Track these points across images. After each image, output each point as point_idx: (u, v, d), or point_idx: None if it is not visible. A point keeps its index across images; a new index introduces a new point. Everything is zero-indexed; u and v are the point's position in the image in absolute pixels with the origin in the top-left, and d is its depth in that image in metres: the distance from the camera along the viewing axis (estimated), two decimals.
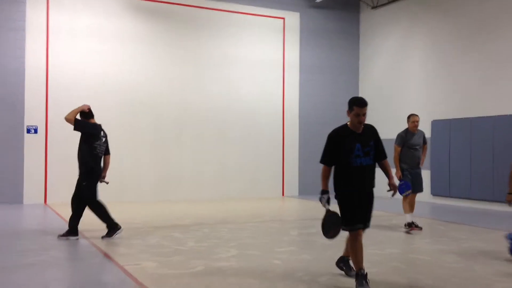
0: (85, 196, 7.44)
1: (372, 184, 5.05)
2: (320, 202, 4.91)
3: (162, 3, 13.82)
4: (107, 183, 7.99)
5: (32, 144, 12.39)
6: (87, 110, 7.63)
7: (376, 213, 11.10)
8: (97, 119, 13.72)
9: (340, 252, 6.59)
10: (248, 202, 13.23)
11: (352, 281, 5.13)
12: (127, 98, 13.35)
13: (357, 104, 5.04)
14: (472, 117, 12.42)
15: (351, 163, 4.81)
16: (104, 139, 7.74)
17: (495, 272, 5.59)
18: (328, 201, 4.87)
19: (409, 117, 8.67)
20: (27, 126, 12.31)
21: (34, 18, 12.45)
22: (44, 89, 12.51)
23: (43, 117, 12.49)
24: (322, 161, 5.02)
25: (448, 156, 12.83)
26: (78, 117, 7.49)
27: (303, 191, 15.46)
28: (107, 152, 7.90)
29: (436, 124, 13.31)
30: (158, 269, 5.57)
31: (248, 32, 14.89)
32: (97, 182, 7.64)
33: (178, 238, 7.63)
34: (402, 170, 8.28)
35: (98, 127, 7.72)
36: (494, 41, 12.05)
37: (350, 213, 4.83)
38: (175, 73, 13.93)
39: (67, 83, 12.68)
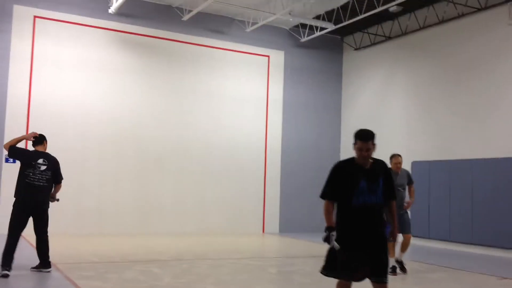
0: (9, 225, 6.98)
1: (379, 227, 4.26)
2: (325, 242, 4.23)
3: (148, 37, 13.99)
4: (58, 200, 7.47)
5: (9, 173, 12.19)
6: (32, 139, 7.22)
7: None
8: (79, 149, 13.67)
9: None
10: (228, 237, 13.12)
11: None
12: (110, 129, 13.32)
13: (360, 138, 4.55)
14: (452, 160, 12.62)
15: (352, 202, 4.19)
16: (44, 167, 7.04)
17: None
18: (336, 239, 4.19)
19: (391, 157, 8.55)
20: (5, 155, 12.18)
21: (18, 47, 12.47)
22: (25, 118, 12.43)
23: (22, 147, 12.33)
24: (322, 196, 4.40)
25: (428, 197, 12.96)
26: (19, 145, 7.21)
27: (284, 228, 15.40)
28: (55, 181, 7.25)
29: (416, 165, 13.47)
30: None
31: (233, 68, 15.10)
32: (24, 215, 6.98)
33: (156, 273, 7.51)
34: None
35: (34, 155, 7.10)
36: (475, 84, 12.38)
37: (340, 257, 4.17)
38: (159, 105, 13.99)
39: (50, 113, 12.62)
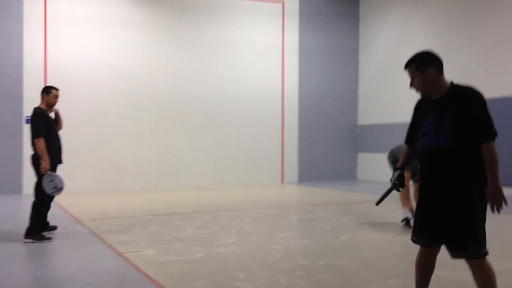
0: None
1: (451, 179, 3.20)
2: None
3: None
4: (42, 169, 6.47)
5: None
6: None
7: (374, 197, 11.19)
8: (96, 107, 13.80)
9: (339, 236, 6.65)
10: (248, 188, 13.29)
11: (350, 265, 5.20)
12: (126, 85, 13.34)
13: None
14: None
15: (418, 147, 3.46)
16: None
17: (493, 254, 5.64)
18: (398, 178, 3.58)
19: None
20: (26, 116, 12.33)
21: (31, 7, 12.39)
22: (42, 79, 12.50)
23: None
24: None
25: None
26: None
27: (303, 178, 15.52)
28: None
29: None
30: (158, 256, 5.63)
31: (246, 17, 14.83)
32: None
33: (179, 225, 7.69)
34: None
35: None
36: (496, 24, 12.00)
37: (416, 219, 3.49)
38: (173, 60, 13.91)
39: (66, 72, 12.65)
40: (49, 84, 12.35)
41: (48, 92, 6.71)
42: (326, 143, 15.92)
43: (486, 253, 3.22)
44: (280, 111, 15.33)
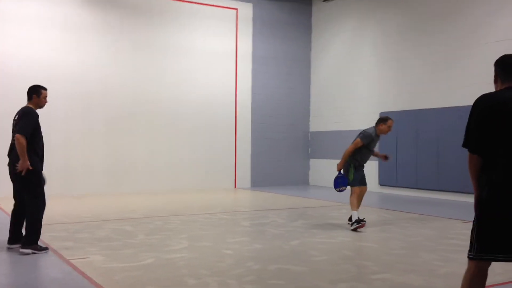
0: None
1: None
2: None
3: None
4: (17, 167, 5.89)
5: None
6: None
7: (326, 202, 11.36)
8: (45, 109, 13.30)
9: (290, 241, 6.67)
10: (201, 193, 13.18)
11: (301, 269, 5.21)
12: (78, 88, 12.97)
13: None
14: (419, 109, 12.80)
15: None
16: (14, 122, 6.24)
17: (439, 257, 5.81)
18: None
19: (385, 120, 7.86)
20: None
21: None
22: None
23: None
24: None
25: (396, 146, 13.19)
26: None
27: (256, 183, 15.55)
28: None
29: (385, 115, 13.61)
30: (106, 263, 5.47)
31: (200, 22, 14.76)
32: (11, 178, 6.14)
33: (129, 231, 7.51)
34: (353, 165, 7.78)
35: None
36: (442, 34, 12.44)
37: (486, 234, 3.06)
38: (126, 62, 13.65)
39: (14, 72, 12.17)
40: None
41: (39, 94, 6.32)
42: (279, 149, 16.02)
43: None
44: (234, 117, 15.31)
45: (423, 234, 7.33)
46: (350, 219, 7.85)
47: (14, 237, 6.20)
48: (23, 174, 5.84)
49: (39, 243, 6.06)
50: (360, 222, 7.54)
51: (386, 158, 8.20)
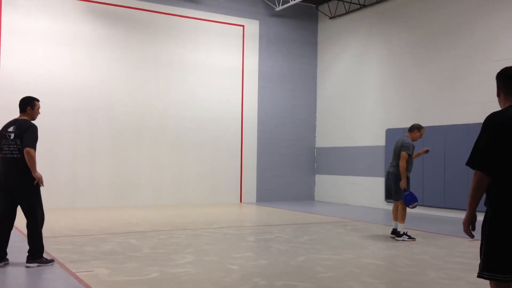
0: None
1: None
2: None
3: (120, 7, 13.61)
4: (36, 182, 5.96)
5: None
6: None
7: (331, 218, 11.27)
8: (52, 123, 13.36)
9: (296, 257, 6.61)
10: (206, 208, 13.12)
11: (307, 286, 5.14)
12: (84, 103, 13.04)
13: None
14: (426, 126, 12.73)
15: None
16: (12, 135, 5.92)
17: (446, 276, 5.72)
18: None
19: (420, 127, 8.40)
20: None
21: None
22: None
23: None
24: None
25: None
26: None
27: (261, 198, 15.49)
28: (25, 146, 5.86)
29: (390, 132, 13.59)
30: (111, 276, 5.42)
31: (207, 38, 14.85)
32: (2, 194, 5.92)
33: (134, 244, 7.47)
34: (408, 180, 8.18)
35: (7, 124, 6.11)
36: (448, 52, 12.45)
37: (498, 252, 2.95)
38: (132, 78, 13.72)
39: (19, 87, 12.19)
40: (1, 99, 11.94)
41: (33, 106, 6.17)
42: (284, 164, 15.99)
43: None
44: (240, 132, 15.32)
45: (429, 252, 7.24)
46: (393, 232, 8.25)
47: (2, 254, 5.91)
48: (42, 185, 5.91)
49: (45, 255, 6.03)
50: (411, 238, 8.11)
51: (428, 151, 8.74)
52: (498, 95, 3.16)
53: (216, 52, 14.97)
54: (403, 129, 13.24)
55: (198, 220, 10.63)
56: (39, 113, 6.35)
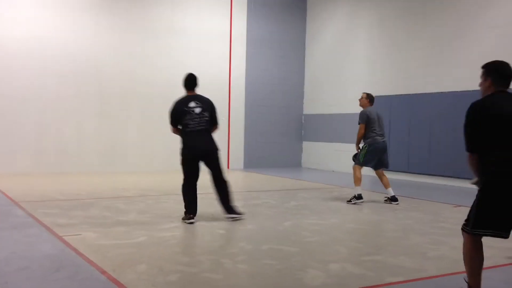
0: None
1: None
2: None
3: None
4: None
5: None
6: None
7: (318, 185, 11.36)
8: (38, 86, 13.13)
9: (282, 222, 6.67)
10: None
11: (292, 250, 5.21)
12: (70, 65, 12.80)
13: None
14: (412, 94, 12.78)
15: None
16: (198, 109, 6.57)
17: (430, 240, 5.83)
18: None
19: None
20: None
21: None
22: None
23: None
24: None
25: (389, 131, 13.17)
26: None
27: (249, 164, 15.53)
28: (213, 123, 6.80)
29: (378, 100, 13.55)
30: (98, 240, 5.44)
31: (194, 3, 14.56)
32: (191, 163, 6.55)
33: (121, 209, 7.48)
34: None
35: (184, 100, 6.70)
36: (438, 18, 12.34)
37: (486, 212, 3.52)
38: (118, 42, 13.47)
39: (5, 50, 11.98)
40: None
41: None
42: (272, 131, 15.98)
43: None
44: (227, 98, 15.22)
45: (414, 217, 7.35)
46: (393, 198, 8.66)
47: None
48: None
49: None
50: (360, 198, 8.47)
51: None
52: (483, 84, 3.67)
53: (204, 17, 14.71)
54: (390, 96, 13.26)
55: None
56: None
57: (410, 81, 12.94)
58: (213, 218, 6.86)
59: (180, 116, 6.53)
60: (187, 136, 6.52)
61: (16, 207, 7.36)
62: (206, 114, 6.55)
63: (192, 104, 6.54)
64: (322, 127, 15.76)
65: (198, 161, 6.53)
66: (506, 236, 3.50)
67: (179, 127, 6.66)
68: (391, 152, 13.20)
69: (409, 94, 12.86)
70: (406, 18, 13.19)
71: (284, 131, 16.26)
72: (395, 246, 5.54)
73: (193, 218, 6.40)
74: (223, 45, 15.10)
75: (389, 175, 13.58)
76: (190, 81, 6.83)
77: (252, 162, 15.58)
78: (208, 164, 6.63)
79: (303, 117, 16.58)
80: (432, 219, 7.24)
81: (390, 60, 13.61)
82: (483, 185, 3.50)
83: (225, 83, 15.17)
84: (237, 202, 8.80)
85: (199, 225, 6.40)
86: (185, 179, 6.61)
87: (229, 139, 15.28)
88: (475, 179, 3.62)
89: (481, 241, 3.59)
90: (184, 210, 6.59)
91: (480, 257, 3.61)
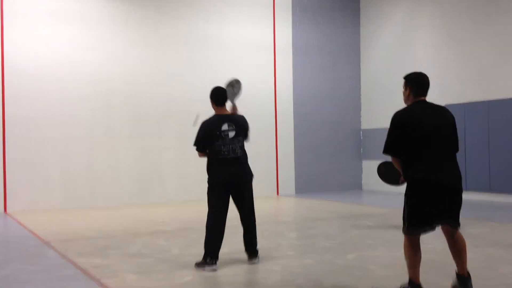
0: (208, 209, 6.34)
1: None
2: None
3: None
4: None
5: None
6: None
7: (381, 210, 11.18)
8: (64, 113, 13.58)
9: (344, 255, 6.59)
10: None
11: (359, 286, 5.13)
12: (100, 88, 13.16)
13: None
14: (491, 100, 12.47)
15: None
16: (232, 133, 6.29)
17: None
18: None
19: None
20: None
21: None
22: None
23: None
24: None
25: (464, 144, 12.88)
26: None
27: (301, 189, 15.47)
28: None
29: (449, 109, 13.33)
30: (139, 282, 5.53)
31: (233, 10, 14.82)
32: (221, 194, 6.25)
33: (162, 245, 7.58)
34: None
35: (215, 121, 6.41)
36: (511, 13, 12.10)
37: (418, 212, 4.59)
38: (152, 59, 13.80)
39: (27, 74, 12.45)
40: (6, 88, 12.19)
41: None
42: (326, 150, 15.89)
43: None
44: (273, 116, 15.28)
45: (499, 243, 7.12)
46: None
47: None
48: None
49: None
50: None
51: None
52: (404, 94, 4.85)
53: (243, 25, 14.92)
54: (464, 104, 12.98)
55: (231, 217, 10.67)
56: None
57: (486, 85, 12.65)
58: (264, 253, 6.83)
59: (211, 140, 6.28)
60: (218, 163, 6.25)
61: (47, 247, 7.58)
62: (240, 139, 6.33)
63: (225, 126, 6.31)
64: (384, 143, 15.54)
65: (229, 192, 6.27)
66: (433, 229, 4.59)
67: (207, 151, 6.41)
68: (468, 169, 12.89)
69: (485, 101, 12.55)
70: (475, 12, 12.97)
71: (339, 150, 16.15)
72: (480, 279, 5.36)
73: (215, 264, 5.97)
74: (266, 55, 15.24)
75: (466, 195, 13.27)
76: (221, 96, 6.67)
77: (304, 187, 15.51)
78: (236, 198, 6.33)
79: (361, 132, 16.44)
80: None
81: (460, 62, 13.37)
82: (409, 185, 4.52)
83: (270, 98, 15.26)
84: (290, 233, 8.81)
85: (248, 262, 6.39)
86: (211, 213, 6.24)
87: (277, 161, 15.30)
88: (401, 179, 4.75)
89: (418, 240, 4.57)
90: (203, 253, 6.09)
91: (418, 253, 4.59)
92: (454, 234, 4.71)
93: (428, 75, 4.49)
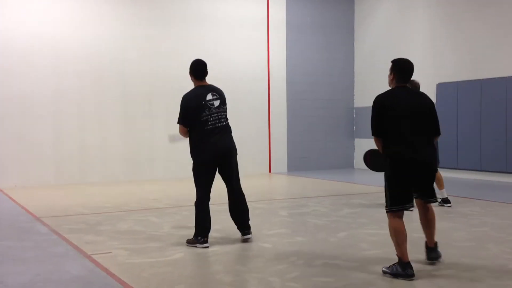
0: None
1: None
2: None
3: None
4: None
5: None
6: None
7: (373, 188, 11.23)
8: (54, 89, 13.49)
9: (336, 233, 6.62)
10: None
11: (350, 265, 5.16)
12: (89, 65, 13.06)
13: None
14: (484, 79, 12.47)
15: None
16: (217, 102, 6.38)
17: (510, 250, 5.66)
18: None
19: None
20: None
21: None
22: None
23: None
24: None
25: (456, 123, 12.91)
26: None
27: (293, 167, 15.49)
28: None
29: (442, 87, 13.35)
30: (131, 258, 5.54)
31: None
32: (209, 171, 6.25)
33: (154, 222, 7.60)
34: None
35: (199, 92, 6.39)
36: None
37: (399, 192, 4.90)
38: (143, 35, 13.63)
39: (18, 50, 12.32)
40: None
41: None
42: (318, 128, 15.89)
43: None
44: (266, 94, 15.23)
45: (490, 223, 7.17)
46: (445, 200, 8.61)
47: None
48: None
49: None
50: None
51: None
52: (389, 77, 5.04)
53: (236, 1, 14.77)
54: (457, 82, 12.98)
55: (223, 194, 10.68)
56: None
57: (479, 64, 12.63)
58: (256, 230, 6.85)
59: (197, 113, 6.20)
60: (206, 135, 6.21)
61: (39, 223, 7.57)
62: (224, 107, 6.41)
63: (209, 96, 6.32)
64: None
65: (216, 166, 6.27)
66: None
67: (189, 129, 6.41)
68: (459, 148, 12.95)
69: (478, 80, 12.55)
70: None
71: (332, 128, 16.15)
72: (469, 258, 5.41)
73: (207, 242, 5.97)
74: (260, 32, 15.10)
75: (458, 174, 13.38)
76: (202, 69, 6.57)
77: (297, 165, 15.53)
78: (225, 170, 6.37)
79: (354, 110, 16.43)
80: (510, 224, 7.04)
81: (455, 41, 13.32)
82: (389, 164, 4.80)
83: (263, 76, 15.17)
84: (282, 210, 8.84)
85: (242, 238, 6.41)
86: (201, 191, 6.22)
87: (269, 138, 15.28)
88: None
89: (401, 218, 4.79)
90: (194, 231, 6.12)
91: (403, 231, 4.77)
92: (426, 207, 5.09)
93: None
